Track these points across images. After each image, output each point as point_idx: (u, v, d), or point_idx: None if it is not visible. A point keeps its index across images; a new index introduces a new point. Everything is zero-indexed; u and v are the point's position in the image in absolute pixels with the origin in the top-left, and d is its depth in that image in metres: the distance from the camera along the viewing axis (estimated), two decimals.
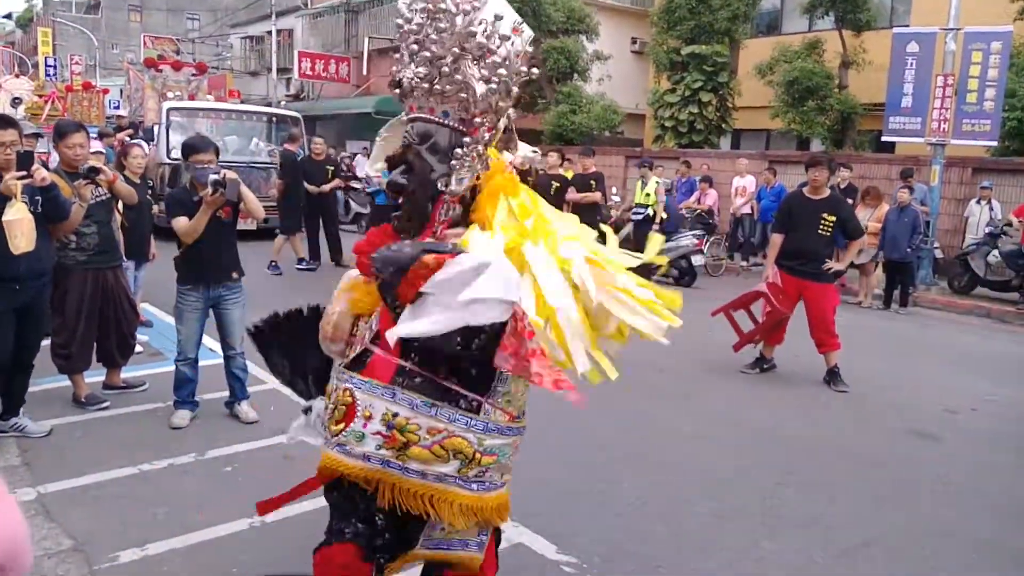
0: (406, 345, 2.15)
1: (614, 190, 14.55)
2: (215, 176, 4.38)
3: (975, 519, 4.00)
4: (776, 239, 6.55)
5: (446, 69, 2.21)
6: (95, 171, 4.60)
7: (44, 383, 5.06)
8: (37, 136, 10.24)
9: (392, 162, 2.31)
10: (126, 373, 5.33)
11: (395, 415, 2.14)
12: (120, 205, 5.66)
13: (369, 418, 2.16)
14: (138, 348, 5.60)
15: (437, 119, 2.27)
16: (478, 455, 2.17)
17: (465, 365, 2.15)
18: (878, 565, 3.50)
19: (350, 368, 2.27)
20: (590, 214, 9.13)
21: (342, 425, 2.19)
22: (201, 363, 4.81)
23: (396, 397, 2.16)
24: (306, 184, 10.62)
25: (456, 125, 2.26)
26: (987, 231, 10.98)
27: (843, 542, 3.67)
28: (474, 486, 2.20)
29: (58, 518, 3.47)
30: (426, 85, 2.24)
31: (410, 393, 2.16)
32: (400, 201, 2.27)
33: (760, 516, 3.90)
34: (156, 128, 13.72)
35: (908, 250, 9.93)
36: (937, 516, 4.02)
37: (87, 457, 4.14)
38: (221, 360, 4.92)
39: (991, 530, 3.88)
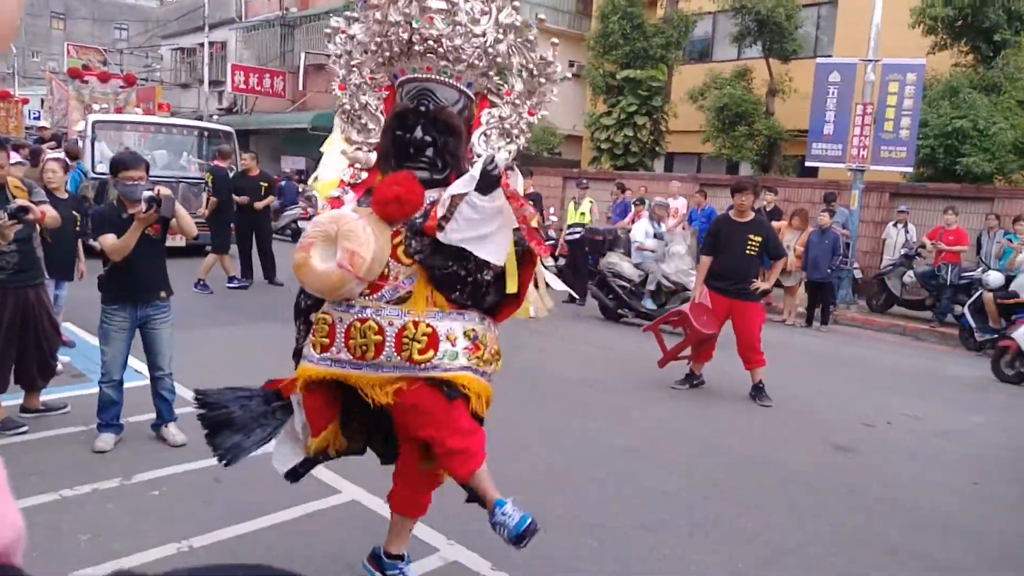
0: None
1: (551, 210, 14.74)
2: (149, 192, 4.29)
3: (887, 527, 4.19)
4: (705, 260, 6.76)
5: (492, 50, 2.64)
6: (24, 210, 4.42)
7: None
8: None
9: (402, 116, 2.63)
10: (47, 395, 5.15)
11: (473, 330, 2.62)
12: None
13: (454, 339, 2.56)
14: (59, 368, 5.41)
15: (464, 89, 2.68)
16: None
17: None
18: (798, 572, 3.64)
19: (400, 303, 2.58)
20: None
21: (431, 352, 2.54)
22: (126, 384, 4.68)
23: (465, 317, 2.64)
24: (236, 199, 10.45)
25: (474, 98, 2.72)
26: (903, 253, 11.52)
27: (766, 551, 3.81)
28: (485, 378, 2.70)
29: None
30: (453, 53, 2.59)
31: (467, 311, 2.63)
32: (427, 154, 2.62)
33: (687, 528, 4.01)
34: (81, 141, 13.29)
35: (829, 271, 10.36)
36: (853, 525, 4.20)
37: None
38: (147, 381, 4.80)
39: (903, 539, 4.07)
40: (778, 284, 9.04)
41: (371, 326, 2.56)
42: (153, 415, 4.79)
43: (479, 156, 2.64)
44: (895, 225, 12.14)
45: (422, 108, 2.61)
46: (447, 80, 2.65)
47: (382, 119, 2.77)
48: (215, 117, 26.82)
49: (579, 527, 3.90)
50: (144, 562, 3.31)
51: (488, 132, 2.71)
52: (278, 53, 27.74)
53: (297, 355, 2.91)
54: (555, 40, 2.84)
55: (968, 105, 12.44)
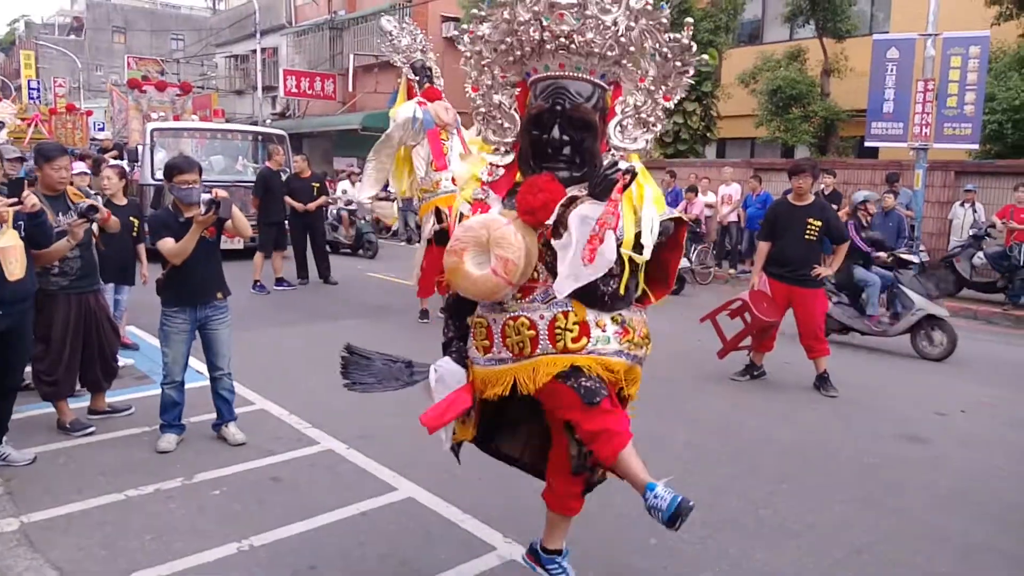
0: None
1: None
2: (208, 195, 4.37)
3: (967, 524, 3.99)
4: (763, 247, 6.57)
5: (624, 39, 2.57)
6: (94, 209, 4.63)
7: (27, 410, 5.00)
8: (21, 160, 10.19)
9: (538, 117, 2.62)
10: (112, 397, 5.27)
11: (620, 314, 2.65)
12: (96, 228, 5.63)
13: (603, 325, 2.60)
14: (120, 366, 5.54)
15: (598, 81, 2.65)
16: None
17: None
18: (874, 572, 3.49)
19: (550, 300, 2.62)
20: None
21: (584, 339, 2.58)
22: (187, 385, 4.76)
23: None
24: (292, 202, 10.60)
25: (607, 88, 2.68)
26: (971, 233, 11.05)
27: (836, 551, 3.66)
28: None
29: (41, 548, 3.41)
30: (585, 48, 2.57)
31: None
32: (566, 153, 2.62)
33: (753, 526, 3.88)
34: (140, 149, 13.66)
35: None
36: (928, 521, 4.01)
37: (72, 485, 4.09)
38: (207, 382, 4.88)
39: (983, 534, 3.87)
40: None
41: (523, 322, 2.62)
42: (213, 415, 4.86)
43: (614, 148, 2.66)
44: (962, 205, 11.65)
45: (558, 107, 2.61)
46: (581, 75, 2.63)
47: (517, 117, 2.78)
48: (268, 121, 27.37)
49: (639, 524, 3.79)
50: (205, 562, 3.35)
51: (624, 122, 2.68)
52: (328, 56, 28.12)
53: (445, 347, 2.97)
54: (690, 19, 2.77)
55: None
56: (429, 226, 8.55)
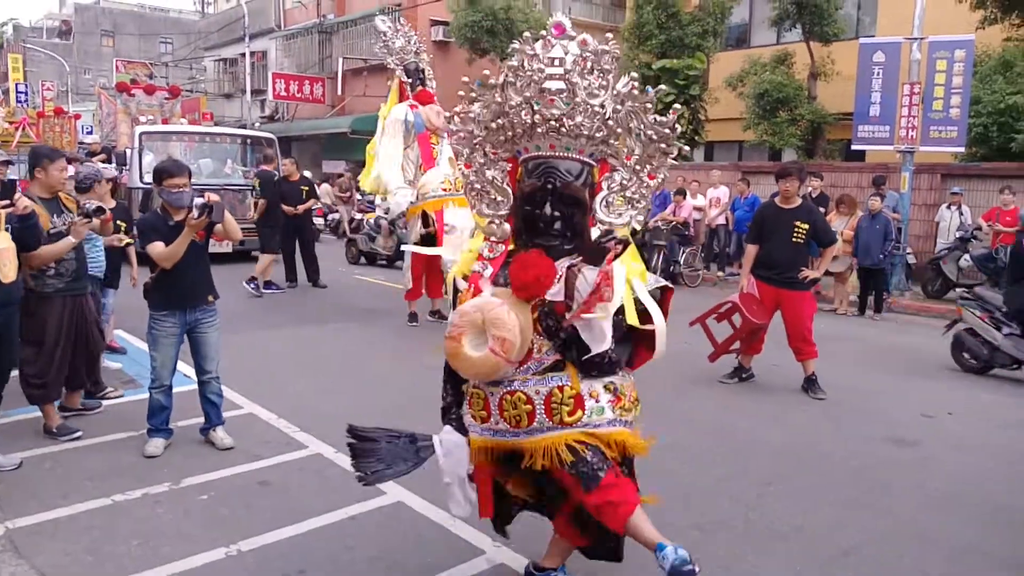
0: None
1: None
2: (201, 199, 4.36)
3: (955, 525, 4.01)
4: (751, 250, 6.60)
5: (611, 122, 2.69)
6: (101, 211, 4.72)
7: (13, 415, 4.97)
8: (7, 163, 10.14)
9: (531, 195, 2.74)
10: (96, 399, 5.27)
11: (611, 382, 2.75)
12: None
13: (597, 395, 2.71)
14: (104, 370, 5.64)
15: (587, 160, 2.77)
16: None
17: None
18: (862, 574, 3.50)
19: (545, 372, 2.72)
20: None
21: (579, 412, 2.69)
22: (175, 389, 4.74)
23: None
24: (282, 205, 10.58)
25: (595, 164, 2.80)
26: (958, 235, 11.13)
27: (826, 552, 3.67)
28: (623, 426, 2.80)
29: (27, 554, 3.39)
30: (575, 130, 2.68)
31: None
32: (557, 227, 2.73)
33: (743, 528, 3.89)
34: (128, 152, 13.60)
35: (881, 256, 10.05)
36: (917, 523, 4.03)
37: (58, 489, 4.06)
38: (195, 386, 4.86)
39: (972, 536, 3.89)
40: (828, 272, 8.78)
41: (520, 397, 2.73)
42: (201, 419, 4.84)
43: (600, 222, 2.78)
44: (948, 207, 11.74)
45: (549, 186, 2.72)
46: (571, 156, 2.75)
47: (509, 191, 2.90)
48: (257, 125, 27.28)
49: None
50: (193, 567, 3.33)
51: (610, 198, 2.81)
52: (317, 60, 28.08)
53: (444, 413, 3.07)
54: (677, 105, 2.98)
55: None
56: (416, 230, 8.60)
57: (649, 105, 2.72)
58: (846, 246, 9.99)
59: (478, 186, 2.93)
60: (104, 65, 43.92)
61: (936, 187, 12.78)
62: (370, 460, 3.01)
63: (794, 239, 6.32)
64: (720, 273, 13.41)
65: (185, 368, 5.29)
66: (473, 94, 2.84)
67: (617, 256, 2.61)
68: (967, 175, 12.57)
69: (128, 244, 6.05)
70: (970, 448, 5.24)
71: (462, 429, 2.94)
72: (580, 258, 2.66)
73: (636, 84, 2.71)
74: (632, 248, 2.76)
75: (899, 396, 6.44)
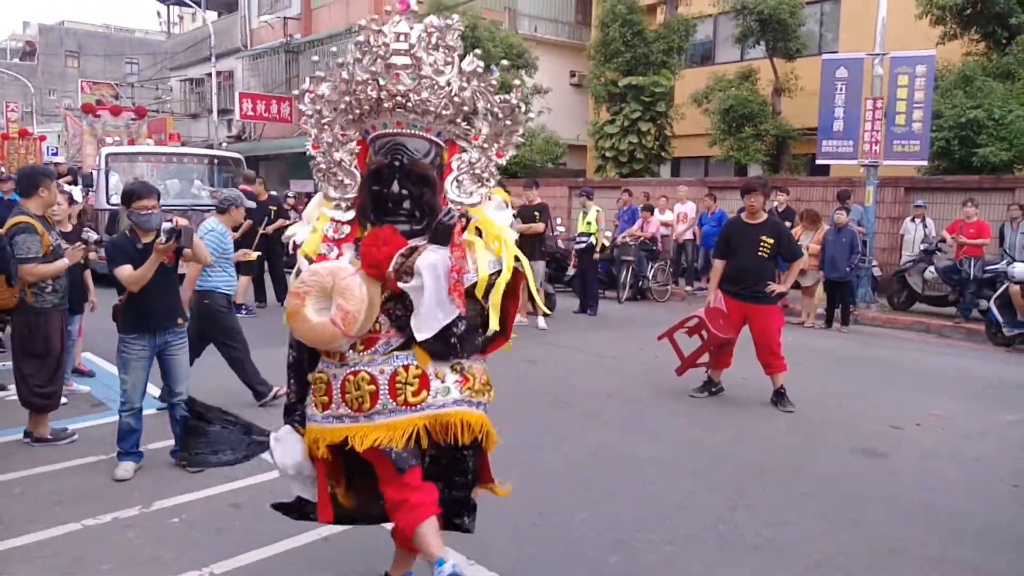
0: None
1: (558, 220, 14.71)
2: (169, 224, 4.34)
3: (925, 536, 4.06)
4: (718, 264, 6.69)
5: (457, 99, 2.69)
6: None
7: None
8: (9, 180, 9.92)
9: (378, 172, 2.69)
10: (66, 423, 5.24)
11: (459, 363, 2.70)
12: None
13: (443, 376, 2.66)
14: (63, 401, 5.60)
15: (434, 139, 2.76)
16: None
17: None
18: None
19: (391, 352, 2.67)
20: (532, 244, 9.29)
21: (424, 392, 2.64)
22: (144, 411, 4.69)
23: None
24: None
25: (443, 145, 2.79)
26: (922, 248, 11.35)
27: (797, 565, 3.71)
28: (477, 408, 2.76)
29: None
30: (421, 106, 2.66)
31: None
32: (406, 207, 2.69)
33: (714, 541, 3.93)
34: (95, 174, 13.43)
35: (847, 269, 10.24)
36: (887, 534, 4.07)
37: (26, 514, 3.98)
38: (165, 408, 4.81)
39: (941, 546, 3.94)
40: (795, 285, 8.93)
41: (364, 377, 2.66)
42: (171, 441, 4.78)
43: (452, 202, 2.75)
44: (913, 220, 11.98)
45: (396, 163, 2.69)
46: (417, 133, 2.73)
47: (357, 174, 2.84)
48: (224, 145, 27.05)
49: (601, 543, 3.83)
50: None
51: (460, 178, 2.80)
52: (284, 79, 27.95)
53: (288, 412, 2.96)
54: (518, 81, 2.96)
55: (983, 94, 12.28)
56: None
57: (494, 83, 2.74)
58: (812, 260, 10.17)
59: (324, 167, 2.86)
60: (69, 86, 43.37)
61: (900, 200, 13.04)
62: (198, 441, 2.95)
63: (759, 253, 6.42)
64: (688, 288, 13.56)
65: (152, 390, 5.23)
66: (323, 74, 2.84)
67: (464, 229, 2.62)
68: (930, 188, 12.84)
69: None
70: (938, 458, 5.33)
71: (302, 430, 2.85)
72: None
73: (481, 64, 2.73)
74: (484, 219, 2.75)
75: (867, 407, 6.55)
